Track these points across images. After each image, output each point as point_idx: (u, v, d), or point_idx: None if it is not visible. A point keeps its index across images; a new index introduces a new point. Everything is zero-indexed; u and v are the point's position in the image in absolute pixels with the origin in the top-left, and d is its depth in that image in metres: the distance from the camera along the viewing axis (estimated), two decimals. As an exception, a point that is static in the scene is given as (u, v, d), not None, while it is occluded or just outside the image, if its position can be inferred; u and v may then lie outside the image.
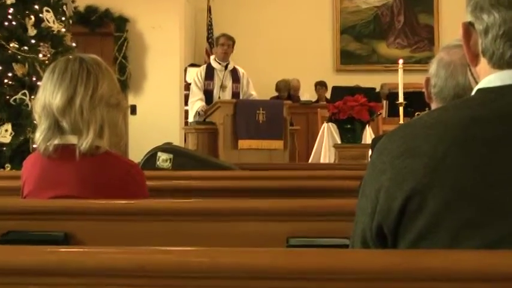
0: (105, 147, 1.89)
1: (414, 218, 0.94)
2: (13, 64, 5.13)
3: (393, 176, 0.97)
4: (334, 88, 8.93)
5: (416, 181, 0.94)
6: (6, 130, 5.03)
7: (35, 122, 2.04)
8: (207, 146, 6.14)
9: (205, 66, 6.91)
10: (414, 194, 0.94)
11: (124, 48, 8.41)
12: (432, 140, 0.95)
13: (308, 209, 1.72)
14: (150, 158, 3.36)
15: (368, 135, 6.51)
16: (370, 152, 5.12)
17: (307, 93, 9.95)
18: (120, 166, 1.92)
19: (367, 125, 6.20)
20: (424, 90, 1.93)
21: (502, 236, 0.88)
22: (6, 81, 5.11)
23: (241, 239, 1.68)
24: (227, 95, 6.57)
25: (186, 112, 7.36)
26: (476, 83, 1.04)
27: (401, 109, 5.53)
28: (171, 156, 3.37)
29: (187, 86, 8.17)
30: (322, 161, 6.98)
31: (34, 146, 2.25)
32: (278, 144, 6.18)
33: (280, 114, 6.24)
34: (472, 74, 1.07)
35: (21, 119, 5.07)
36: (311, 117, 8.84)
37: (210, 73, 6.64)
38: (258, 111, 6.10)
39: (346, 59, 10.83)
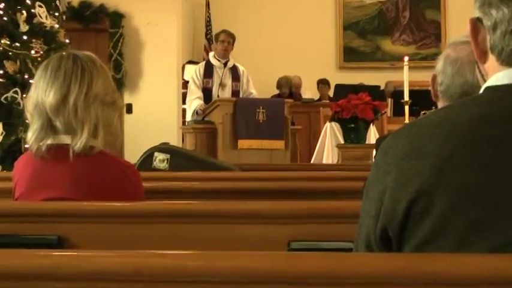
0: (99, 148, 1.89)
1: (420, 221, 0.94)
2: (4, 61, 5.13)
3: (398, 177, 0.97)
4: (337, 86, 8.93)
5: (422, 182, 0.94)
6: (-3, 130, 5.03)
7: (27, 121, 2.04)
8: (206, 146, 6.14)
9: (204, 63, 6.91)
10: (420, 195, 0.94)
11: (119, 44, 8.40)
12: (438, 139, 0.95)
13: (310, 211, 1.72)
14: (147, 159, 3.36)
15: (372, 135, 6.52)
16: (374, 152, 5.12)
17: (309, 92, 9.95)
18: (116, 167, 1.92)
19: (371, 125, 6.21)
20: (430, 88, 1.93)
21: (512, 238, 0.89)
22: (-3, 79, 5.11)
23: (240, 243, 1.68)
24: (226, 94, 6.58)
25: (184, 111, 7.35)
26: (485, 80, 1.04)
27: (406, 108, 5.52)
28: (168, 156, 3.37)
29: (185, 84, 8.17)
30: (324, 161, 6.97)
31: (26, 146, 2.25)
32: (279, 144, 6.18)
33: (281, 113, 6.24)
34: (480, 72, 1.07)
35: (13, 118, 5.06)
36: (313, 116, 8.83)
37: (209, 71, 6.65)
38: (258, 110, 6.10)
39: (350, 56, 10.82)
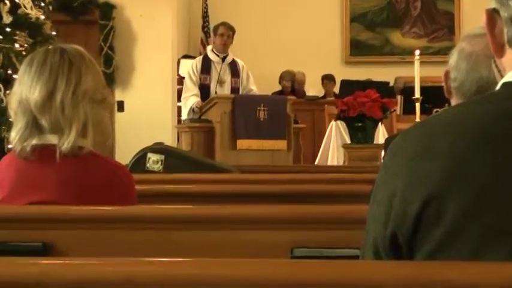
0: (89, 148, 1.89)
1: (432, 226, 0.94)
2: (-15, 55, 5.13)
3: (408, 180, 0.97)
4: (343, 82, 8.94)
5: (434, 184, 0.94)
6: (-22, 128, 5.03)
7: (10, 119, 2.04)
8: (203, 147, 6.15)
9: (201, 58, 6.90)
10: (432, 199, 0.94)
11: (110, 38, 8.41)
12: (450, 138, 0.95)
13: (314, 216, 1.72)
14: (139, 160, 3.37)
15: (381, 135, 6.53)
16: (382, 153, 5.12)
17: (313, 88, 9.96)
18: (106, 168, 1.92)
19: (379, 123, 6.21)
20: (443, 84, 1.93)
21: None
22: (-22, 74, 5.11)
23: (240, 250, 1.68)
24: (225, 91, 6.58)
25: (179, 109, 7.36)
26: (502, 76, 1.04)
27: (417, 105, 5.53)
28: (162, 157, 3.37)
29: (180, 80, 8.17)
30: (329, 163, 6.99)
31: (9, 146, 2.26)
32: (281, 144, 6.18)
33: (283, 111, 6.24)
34: (496, 66, 1.07)
35: (-5, 116, 5.06)
36: (317, 115, 8.84)
37: (206, 66, 6.64)
38: (258, 108, 6.11)
39: (357, 50, 10.84)
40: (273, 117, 6.14)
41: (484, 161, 0.92)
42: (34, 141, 1.87)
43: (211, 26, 8.19)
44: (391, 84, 9.22)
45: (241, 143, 6.07)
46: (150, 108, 8.22)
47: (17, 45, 5.29)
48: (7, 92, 4.94)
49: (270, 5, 10.48)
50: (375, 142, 6.06)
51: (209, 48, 6.95)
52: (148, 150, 3.41)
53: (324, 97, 9.66)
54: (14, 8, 5.38)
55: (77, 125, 1.87)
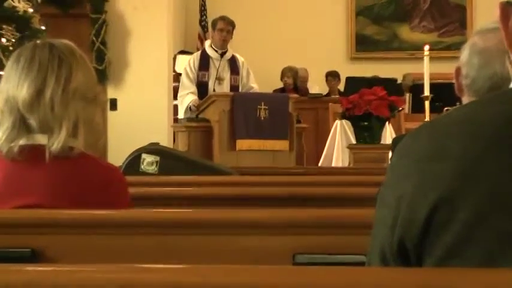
0: (80, 149, 1.89)
1: (442, 232, 0.94)
2: (-29, 50, 5.14)
3: (417, 182, 0.97)
4: (348, 79, 8.95)
5: (445, 187, 0.94)
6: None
7: (-3, 118, 2.04)
8: (200, 147, 6.15)
9: (199, 53, 6.89)
10: (442, 202, 0.94)
11: (102, 32, 8.41)
12: (462, 139, 0.96)
13: (317, 220, 1.72)
14: (133, 161, 3.37)
15: (388, 135, 6.54)
16: (390, 154, 5.13)
17: (316, 86, 9.97)
18: (98, 170, 1.92)
19: (386, 123, 6.21)
20: (454, 81, 1.94)
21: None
22: (-37, 70, 5.11)
23: (239, 256, 1.68)
24: (224, 88, 6.58)
25: (176, 107, 7.36)
26: (516, 72, 1.04)
27: (427, 103, 5.53)
28: (157, 158, 3.38)
29: (176, 77, 8.18)
30: (334, 164, 6.99)
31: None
32: (282, 144, 6.19)
33: (285, 110, 6.25)
34: (511, 62, 1.07)
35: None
36: (321, 113, 8.85)
37: (204, 62, 6.64)
38: (259, 106, 6.11)
39: (363, 45, 10.84)
40: (274, 116, 6.14)
41: (498, 162, 0.92)
42: (22, 142, 1.87)
43: (210, 19, 8.19)
44: (399, 81, 9.22)
45: (241, 144, 6.08)
46: (144, 107, 8.22)
47: (3, 40, 5.30)
48: (-7, 89, 4.94)
49: (271, -2, 10.50)
50: (382, 142, 6.06)
51: (207, 43, 6.94)
52: (142, 151, 3.42)
53: (328, 95, 9.67)
54: (1, 0, 5.39)
55: (67, 125, 1.87)
